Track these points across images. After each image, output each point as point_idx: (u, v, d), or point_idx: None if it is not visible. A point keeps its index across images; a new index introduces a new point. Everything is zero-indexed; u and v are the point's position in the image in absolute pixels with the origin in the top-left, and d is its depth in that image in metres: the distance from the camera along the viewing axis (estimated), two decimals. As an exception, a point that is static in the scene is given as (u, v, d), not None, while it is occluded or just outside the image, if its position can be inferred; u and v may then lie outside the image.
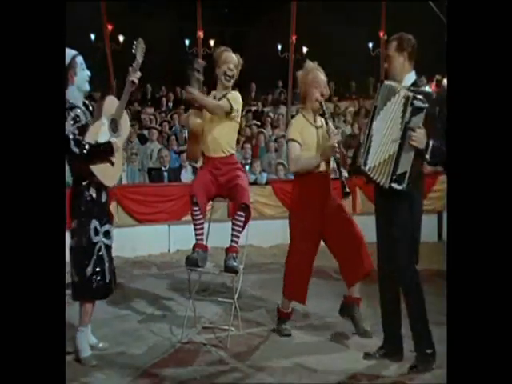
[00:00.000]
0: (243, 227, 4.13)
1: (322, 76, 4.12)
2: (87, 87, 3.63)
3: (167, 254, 7.19)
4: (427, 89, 3.54)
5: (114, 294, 3.88)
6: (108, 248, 3.69)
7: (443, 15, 10.17)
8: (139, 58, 3.70)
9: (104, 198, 3.69)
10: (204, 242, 4.12)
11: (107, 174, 3.62)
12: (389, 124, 3.39)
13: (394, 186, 3.37)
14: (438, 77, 12.37)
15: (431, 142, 3.29)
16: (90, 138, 3.50)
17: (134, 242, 6.92)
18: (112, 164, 3.62)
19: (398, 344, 3.64)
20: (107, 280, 3.66)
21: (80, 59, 3.59)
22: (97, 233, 3.61)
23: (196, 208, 4.03)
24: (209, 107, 4.11)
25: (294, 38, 11.46)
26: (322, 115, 4.13)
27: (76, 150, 3.44)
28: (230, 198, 4.25)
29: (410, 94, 3.32)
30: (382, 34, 12.04)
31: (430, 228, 7.70)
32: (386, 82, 3.47)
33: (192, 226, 4.11)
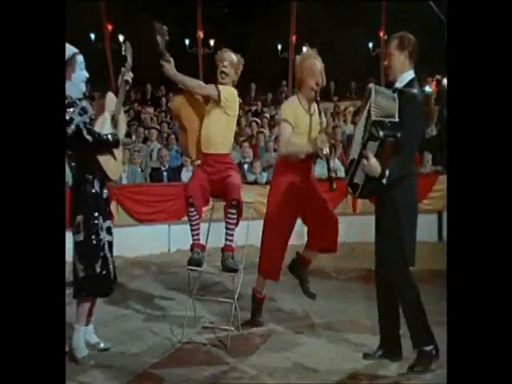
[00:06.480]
0: (236, 224, 4.13)
1: (318, 65, 4.12)
2: (83, 87, 3.62)
3: (167, 254, 7.19)
4: (415, 90, 3.46)
5: (114, 293, 3.86)
6: (110, 245, 3.68)
7: (443, 15, 10.17)
8: (130, 60, 3.80)
9: (105, 194, 3.71)
10: (201, 241, 4.13)
11: (111, 166, 3.65)
12: (360, 127, 3.41)
13: (349, 189, 3.52)
14: (437, 77, 12.38)
15: (388, 172, 3.22)
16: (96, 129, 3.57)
17: (134, 241, 6.90)
18: (114, 158, 3.66)
19: (397, 344, 3.63)
20: (111, 277, 3.66)
21: (80, 58, 3.58)
22: (101, 229, 3.61)
23: (192, 209, 4.03)
24: (186, 83, 4.13)
25: (293, 37, 11.48)
26: (317, 103, 4.17)
27: (89, 138, 3.45)
28: (223, 196, 4.22)
29: (377, 119, 3.17)
30: (382, 34, 12.06)
31: (429, 228, 7.72)
32: (369, 85, 3.42)
33: (191, 226, 4.12)
